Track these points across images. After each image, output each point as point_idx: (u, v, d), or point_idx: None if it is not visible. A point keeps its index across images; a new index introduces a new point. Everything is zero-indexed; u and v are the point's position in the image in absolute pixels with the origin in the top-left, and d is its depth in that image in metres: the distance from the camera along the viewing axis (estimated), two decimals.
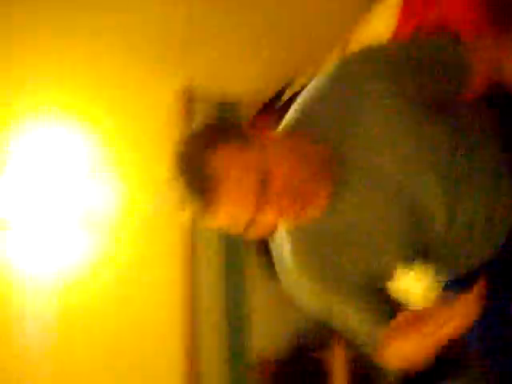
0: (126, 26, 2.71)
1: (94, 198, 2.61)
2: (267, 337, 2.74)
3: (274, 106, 2.72)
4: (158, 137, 2.59)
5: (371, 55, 1.21)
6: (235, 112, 2.93)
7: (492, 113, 1.30)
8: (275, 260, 1.31)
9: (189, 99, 2.79)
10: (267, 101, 2.81)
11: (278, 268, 1.30)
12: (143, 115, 2.74)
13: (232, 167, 1.07)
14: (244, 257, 2.83)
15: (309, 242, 1.22)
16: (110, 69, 2.71)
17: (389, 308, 1.20)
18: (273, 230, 1.21)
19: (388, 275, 1.22)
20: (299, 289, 1.26)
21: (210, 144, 1.09)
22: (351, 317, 1.24)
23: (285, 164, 1.10)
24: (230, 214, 1.09)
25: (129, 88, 2.75)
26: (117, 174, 2.68)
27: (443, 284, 1.39)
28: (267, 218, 1.10)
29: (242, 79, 2.93)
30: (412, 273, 1.23)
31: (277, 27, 2.95)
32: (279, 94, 2.72)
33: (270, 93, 2.77)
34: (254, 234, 1.13)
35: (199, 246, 2.73)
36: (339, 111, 1.18)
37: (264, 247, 1.39)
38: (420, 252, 1.21)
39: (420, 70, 1.18)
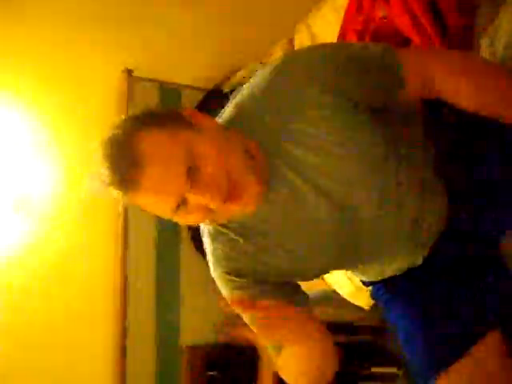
0: (69, 3, 2.60)
1: (30, 180, 2.53)
2: (198, 321, 2.74)
3: (214, 96, 2.71)
4: (99, 118, 2.51)
5: (312, 58, 1.19)
6: (176, 96, 2.91)
7: (426, 125, 1.30)
8: (205, 249, 1.30)
9: (131, 80, 2.71)
10: (209, 89, 2.80)
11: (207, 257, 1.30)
12: (85, 96, 2.65)
13: (161, 151, 1.05)
14: (178, 240, 2.82)
15: (231, 238, 1.22)
16: (52, 48, 2.60)
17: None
18: (201, 219, 1.16)
19: (311, 273, 1.28)
20: (219, 282, 1.27)
21: (143, 126, 1.07)
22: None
23: (216, 154, 1.07)
24: (153, 197, 1.07)
25: (70, 68, 2.65)
26: (55, 155, 2.59)
27: (369, 284, 1.43)
28: (192, 205, 1.07)
29: (186, 64, 2.89)
30: (338, 272, 1.25)
31: (224, 16, 2.93)
32: (221, 84, 2.70)
33: (212, 81, 2.75)
34: (181, 220, 1.12)
35: (133, 231, 2.68)
36: (277, 111, 1.16)
37: (198, 232, 1.35)
38: (347, 251, 1.24)
39: (359, 75, 1.17)
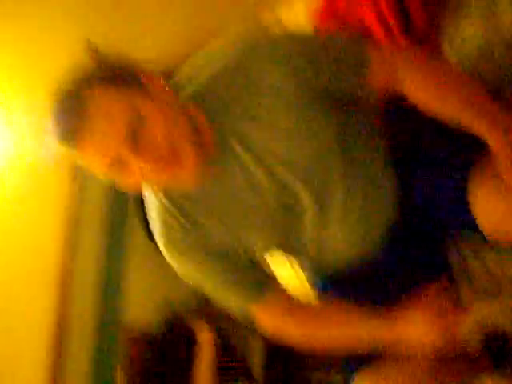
0: None
1: None
2: (140, 306, 2.73)
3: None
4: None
5: (278, 45, 1.19)
6: None
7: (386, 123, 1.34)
8: (151, 225, 1.31)
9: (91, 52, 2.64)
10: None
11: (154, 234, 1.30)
12: (38, 65, 2.61)
13: (105, 107, 1.07)
14: (127, 218, 2.81)
15: (175, 208, 1.24)
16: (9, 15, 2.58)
17: (255, 278, 1.28)
18: (136, 182, 1.16)
19: (253, 251, 1.29)
20: (170, 258, 1.29)
21: (96, 82, 1.09)
22: (220, 288, 1.29)
23: (161, 121, 1.09)
24: (91, 151, 1.08)
25: (25, 35, 2.62)
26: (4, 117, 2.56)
27: (313, 279, 1.40)
28: (129, 167, 1.08)
29: (145, 45, 2.81)
30: (278, 258, 1.32)
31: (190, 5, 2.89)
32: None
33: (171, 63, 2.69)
34: (117, 179, 1.13)
35: (83, 205, 2.66)
36: (236, 88, 1.17)
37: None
38: (288, 240, 1.27)
39: (321, 64, 1.18)
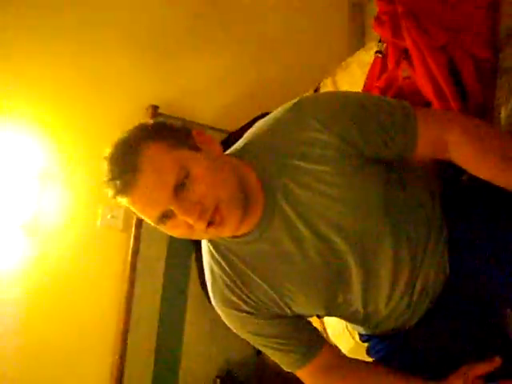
0: (97, 33, 2.70)
1: (39, 203, 2.53)
2: (198, 364, 2.71)
3: (235, 139, 2.71)
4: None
5: (329, 101, 1.23)
6: None
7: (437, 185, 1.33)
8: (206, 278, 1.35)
9: (155, 117, 2.73)
10: (230, 132, 2.83)
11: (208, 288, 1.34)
12: (106, 129, 2.63)
13: (156, 161, 1.11)
14: (186, 277, 2.80)
15: (222, 258, 1.27)
16: (76, 78, 2.66)
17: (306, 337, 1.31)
18: (184, 234, 1.19)
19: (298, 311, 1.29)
20: (216, 307, 1.33)
21: (150, 137, 1.14)
22: (266, 348, 1.33)
23: (208, 178, 1.13)
24: (141, 203, 1.13)
25: (93, 99, 2.70)
26: (65, 180, 2.62)
27: (366, 340, 1.42)
28: (178, 220, 1.13)
29: (211, 104, 2.95)
30: (339, 325, 1.25)
31: (252, 59, 2.98)
32: (243, 129, 2.72)
33: (235, 124, 2.78)
34: (165, 229, 1.17)
35: (141, 269, 2.66)
36: (281, 147, 1.21)
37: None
38: (334, 296, 1.27)
39: (371, 128, 1.19)
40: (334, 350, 1.37)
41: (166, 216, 1.13)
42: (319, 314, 1.36)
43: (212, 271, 1.30)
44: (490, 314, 1.32)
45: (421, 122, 1.20)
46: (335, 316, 1.38)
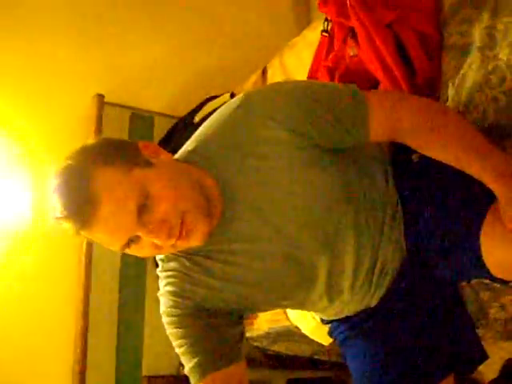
0: (44, 23, 2.62)
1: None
2: (161, 351, 2.66)
3: (184, 125, 2.70)
4: (68, 143, 2.47)
5: (276, 95, 1.20)
6: (147, 122, 2.90)
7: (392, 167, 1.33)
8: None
9: (102, 106, 2.69)
10: (180, 117, 2.80)
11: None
12: (54, 120, 2.62)
13: (113, 189, 1.06)
14: (144, 266, 2.77)
15: (183, 263, 1.25)
16: (23, 68, 2.59)
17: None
18: (152, 254, 1.18)
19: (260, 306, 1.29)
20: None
21: (97, 163, 1.08)
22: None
23: (168, 194, 1.09)
24: (105, 235, 1.09)
25: (44, 91, 2.63)
26: (22, 179, 2.55)
27: (327, 322, 1.43)
28: (144, 242, 1.10)
29: (159, 91, 2.92)
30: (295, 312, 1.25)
31: (198, 45, 2.95)
32: (192, 113, 2.70)
33: (184, 109, 2.75)
34: (133, 253, 1.13)
35: (97, 258, 2.61)
36: (235, 148, 1.18)
37: None
38: (297, 289, 1.25)
39: (321, 117, 1.18)
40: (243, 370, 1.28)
41: (131, 241, 1.09)
42: (278, 308, 1.35)
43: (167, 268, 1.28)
44: (446, 287, 1.34)
45: (372, 110, 1.18)
46: (297, 309, 1.38)
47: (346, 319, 1.38)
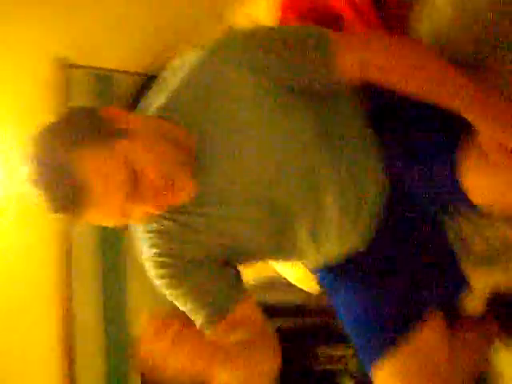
0: None
1: None
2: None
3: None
4: (32, 110, 2.45)
5: (244, 39, 1.18)
6: (110, 81, 2.83)
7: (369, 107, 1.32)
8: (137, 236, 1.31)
9: (63, 68, 2.62)
10: (144, 74, 2.73)
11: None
12: (17, 88, 2.54)
13: (99, 170, 1.04)
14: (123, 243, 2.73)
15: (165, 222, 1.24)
16: None
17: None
18: (144, 219, 1.19)
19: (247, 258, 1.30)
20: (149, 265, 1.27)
21: (71, 143, 1.05)
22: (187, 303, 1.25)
23: (151, 158, 1.08)
24: (100, 215, 1.09)
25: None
26: None
27: (316, 272, 1.43)
28: (139, 210, 1.10)
29: (119, 48, 2.81)
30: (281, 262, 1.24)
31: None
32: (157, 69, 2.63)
33: (147, 65, 2.68)
34: (127, 222, 1.16)
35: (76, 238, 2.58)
36: (205, 98, 1.17)
37: None
38: (281, 236, 1.25)
39: (290, 58, 1.16)
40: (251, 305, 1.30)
41: (123, 215, 1.10)
42: (266, 259, 1.34)
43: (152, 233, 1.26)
44: (430, 225, 1.34)
45: (339, 48, 1.16)
46: (284, 261, 1.37)
47: (335, 267, 1.37)
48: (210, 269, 1.25)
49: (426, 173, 1.22)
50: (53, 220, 2.47)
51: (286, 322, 2.55)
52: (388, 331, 1.28)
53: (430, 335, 1.26)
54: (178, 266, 1.24)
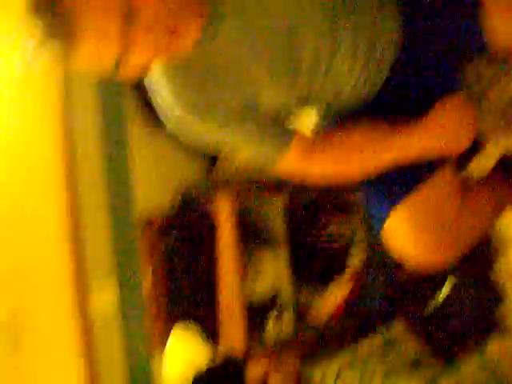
0: None
1: None
2: (152, 193, 2.61)
3: None
4: None
5: None
6: None
7: None
8: (156, 105, 1.26)
9: None
10: None
11: (160, 112, 1.25)
12: None
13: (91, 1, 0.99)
14: (125, 109, 2.59)
15: (186, 78, 1.19)
16: None
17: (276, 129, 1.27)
18: (147, 69, 1.14)
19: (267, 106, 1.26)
20: (187, 129, 1.24)
21: None
22: (244, 141, 1.28)
23: None
24: (93, 52, 1.03)
25: None
26: None
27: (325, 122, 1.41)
28: (137, 55, 1.05)
29: None
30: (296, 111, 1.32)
31: None
32: None
33: None
34: (125, 74, 1.08)
35: (74, 98, 2.40)
36: None
37: (145, 97, 1.32)
38: (300, 88, 1.25)
39: None
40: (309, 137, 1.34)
41: (124, 53, 1.03)
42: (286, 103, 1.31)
43: (184, 85, 1.21)
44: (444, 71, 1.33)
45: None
46: (300, 106, 1.35)
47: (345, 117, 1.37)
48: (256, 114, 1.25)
49: (446, 20, 1.23)
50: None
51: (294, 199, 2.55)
52: (400, 183, 1.30)
53: (441, 186, 1.29)
54: (225, 114, 1.22)
